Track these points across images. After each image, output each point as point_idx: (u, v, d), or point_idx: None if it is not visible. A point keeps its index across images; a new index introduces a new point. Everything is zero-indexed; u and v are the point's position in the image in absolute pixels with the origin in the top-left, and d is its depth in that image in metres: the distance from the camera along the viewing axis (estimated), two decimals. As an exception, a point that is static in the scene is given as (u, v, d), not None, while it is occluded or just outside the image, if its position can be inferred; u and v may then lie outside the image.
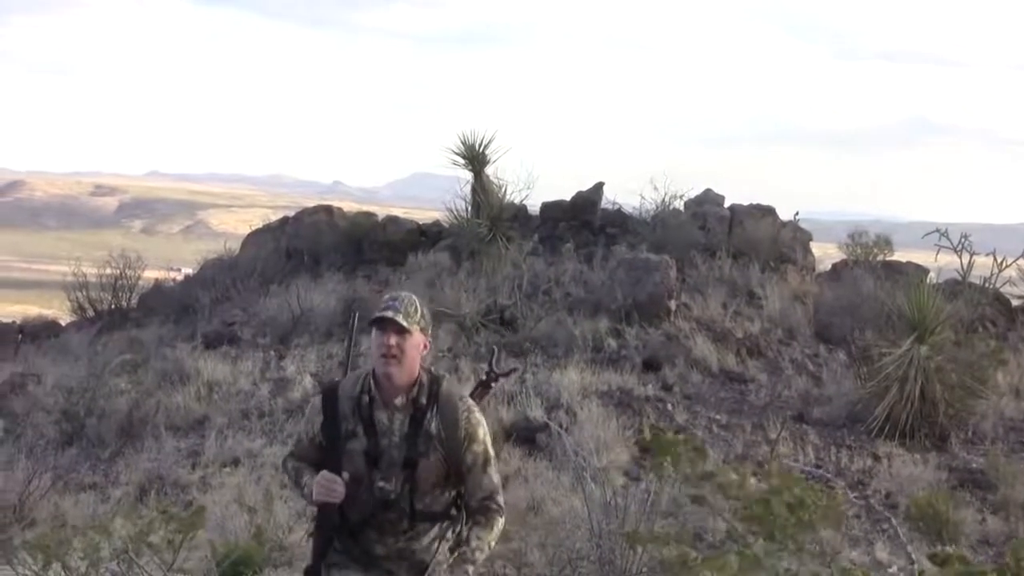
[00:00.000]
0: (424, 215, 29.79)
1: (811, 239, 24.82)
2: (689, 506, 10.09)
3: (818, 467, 14.19)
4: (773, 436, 15.02)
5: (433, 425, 5.69)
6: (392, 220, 26.49)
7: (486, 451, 5.79)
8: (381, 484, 5.65)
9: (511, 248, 22.33)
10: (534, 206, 25.04)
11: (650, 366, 17.91)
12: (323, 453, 5.78)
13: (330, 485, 5.61)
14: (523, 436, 14.90)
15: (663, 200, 24.60)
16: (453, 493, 5.82)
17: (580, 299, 20.30)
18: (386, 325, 5.62)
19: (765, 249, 22.88)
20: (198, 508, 9.81)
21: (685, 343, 18.58)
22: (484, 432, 5.80)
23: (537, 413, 15.44)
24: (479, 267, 21.84)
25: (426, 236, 25.28)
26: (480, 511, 5.79)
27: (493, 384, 8.09)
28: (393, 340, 5.60)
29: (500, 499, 5.85)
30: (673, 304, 19.73)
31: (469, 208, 24.05)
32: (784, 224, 24.32)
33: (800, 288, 22.11)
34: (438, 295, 20.00)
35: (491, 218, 23.15)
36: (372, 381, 5.75)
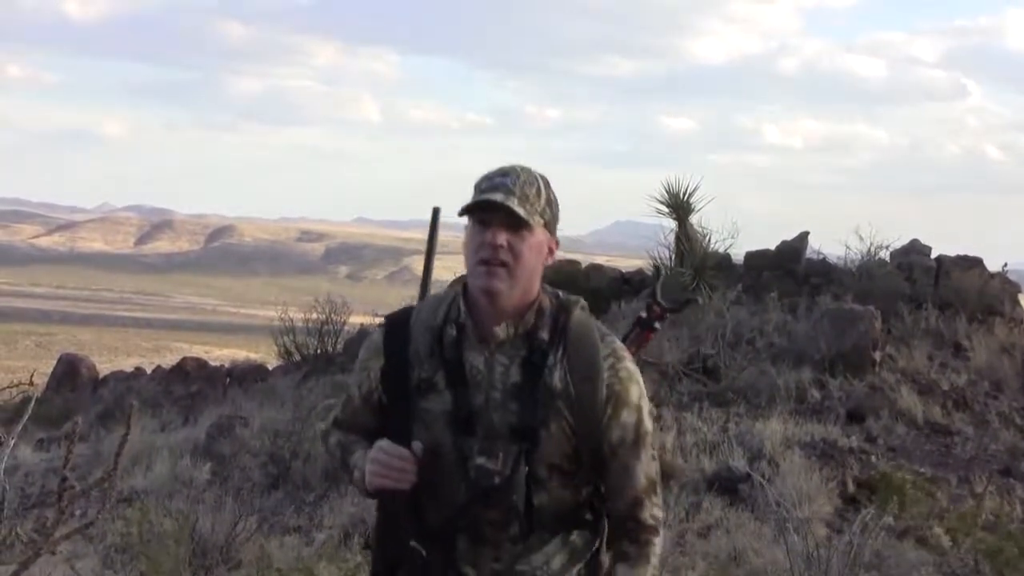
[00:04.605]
0: (627, 263, 29.84)
1: (1019, 291, 24.37)
2: (892, 558, 10.06)
3: (1025, 523, 13.98)
4: (979, 490, 14.82)
5: (556, 375, 3.59)
6: (595, 268, 26.59)
7: (640, 423, 3.67)
8: (480, 461, 3.56)
9: (715, 297, 22.26)
10: (738, 255, 24.96)
11: (854, 417, 17.76)
12: (384, 418, 3.73)
13: (391, 461, 3.55)
14: (725, 486, 14.86)
15: (868, 250, 24.36)
16: (590, 486, 3.74)
17: (783, 349, 20.17)
18: (491, 214, 3.54)
19: (972, 301, 22.51)
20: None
21: (890, 395, 18.38)
22: (639, 392, 3.67)
23: (739, 463, 15.42)
24: (682, 316, 21.82)
25: (629, 284, 25.32)
26: (627, 529, 3.71)
27: (658, 324, 5.26)
28: (502, 238, 3.52)
29: (657, 506, 3.74)
30: (878, 355, 19.53)
31: (672, 256, 24.08)
32: (992, 275, 23.92)
33: (1008, 340, 21.72)
34: (641, 343, 20.08)
35: (695, 267, 23.15)
36: (463, 305, 3.69)
